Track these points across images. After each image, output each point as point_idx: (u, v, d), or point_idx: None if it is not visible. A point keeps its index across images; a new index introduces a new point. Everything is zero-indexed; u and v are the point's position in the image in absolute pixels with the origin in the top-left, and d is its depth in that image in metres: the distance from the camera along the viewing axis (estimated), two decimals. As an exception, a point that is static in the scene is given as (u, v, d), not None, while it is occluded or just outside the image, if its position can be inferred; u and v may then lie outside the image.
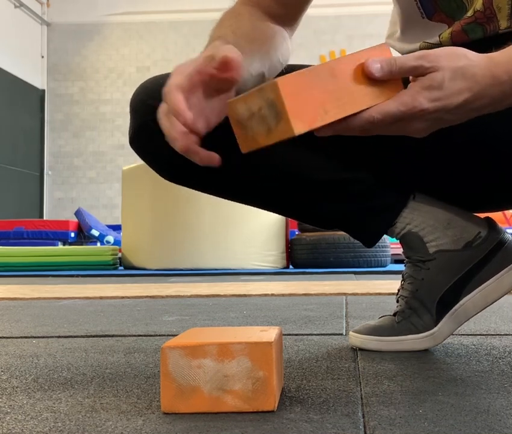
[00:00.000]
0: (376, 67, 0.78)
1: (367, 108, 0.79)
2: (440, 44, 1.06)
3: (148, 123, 1.05)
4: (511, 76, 0.81)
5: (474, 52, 0.82)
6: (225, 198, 1.16)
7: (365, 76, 0.79)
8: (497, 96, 0.82)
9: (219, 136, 0.94)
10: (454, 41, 1.05)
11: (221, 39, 0.91)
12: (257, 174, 1.10)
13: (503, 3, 1.00)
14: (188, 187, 1.14)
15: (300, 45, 11.55)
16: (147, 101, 1.05)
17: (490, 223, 1.12)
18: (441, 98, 0.79)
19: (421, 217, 1.10)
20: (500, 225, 1.14)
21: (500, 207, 1.18)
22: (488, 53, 0.83)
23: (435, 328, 1.09)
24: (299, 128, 0.74)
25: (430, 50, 0.82)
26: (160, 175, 1.15)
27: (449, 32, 1.06)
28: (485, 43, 1.00)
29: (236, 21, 1.01)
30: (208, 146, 1.05)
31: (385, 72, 0.79)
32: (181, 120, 0.80)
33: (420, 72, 0.80)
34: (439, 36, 1.07)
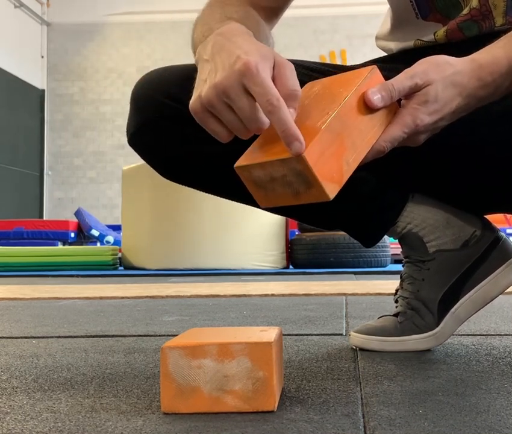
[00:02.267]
0: (377, 99, 0.81)
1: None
2: (434, 42, 1.07)
3: (154, 119, 1.03)
4: (495, 78, 0.85)
5: (454, 58, 0.86)
6: (226, 198, 1.16)
7: (367, 108, 0.80)
8: (483, 96, 0.86)
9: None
10: (449, 39, 1.06)
11: (232, 20, 0.90)
12: None
13: (499, 0, 1.01)
14: (188, 186, 1.14)
15: (299, 45, 11.56)
16: (152, 97, 1.03)
17: (484, 223, 1.13)
18: (437, 110, 0.83)
19: (421, 217, 1.10)
20: (500, 225, 1.15)
21: (498, 210, 1.18)
22: (471, 56, 0.86)
23: (438, 328, 1.09)
24: (332, 191, 0.76)
25: (415, 66, 0.85)
26: (160, 173, 1.13)
27: (444, 30, 1.06)
28: (480, 40, 1.01)
29: (227, 6, 0.98)
30: (212, 148, 1.05)
31: (386, 101, 0.81)
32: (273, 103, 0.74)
33: (415, 90, 0.83)
34: (434, 34, 1.07)
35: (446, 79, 0.83)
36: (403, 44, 1.12)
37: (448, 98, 0.83)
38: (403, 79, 0.83)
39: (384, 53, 1.19)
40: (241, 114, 0.77)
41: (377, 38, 1.20)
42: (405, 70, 0.84)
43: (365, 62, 1.14)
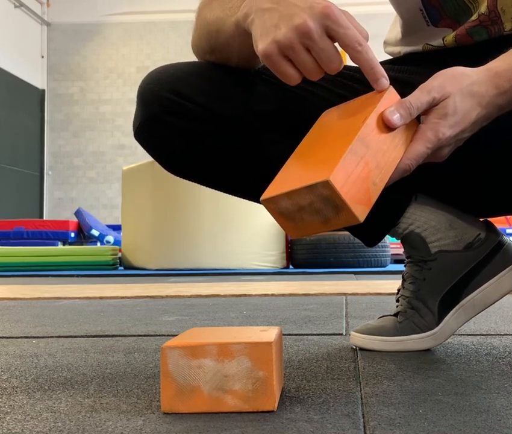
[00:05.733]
0: (396, 118, 0.81)
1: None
2: (443, 47, 1.07)
3: (159, 115, 1.03)
4: None
5: (469, 68, 0.86)
6: (229, 194, 1.15)
7: (387, 128, 0.81)
8: (502, 104, 0.86)
9: (230, 135, 0.94)
10: (458, 44, 1.06)
11: None
12: (269, 172, 1.09)
13: (508, 5, 1.01)
14: (192, 180, 1.13)
15: (300, 45, 11.55)
16: (159, 92, 1.03)
17: (489, 226, 1.12)
18: (458, 122, 0.83)
19: (424, 218, 1.10)
20: (500, 225, 1.15)
21: (502, 212, 1.18)
22: (486, 65, 0.86)
23: (437, 328, 1.09)
24: (361, 213, 0.76)
25: (430, 81, 0.85)
26: (165, 168, 1.12)
27: (453, 35, 1.06)
28: (489, 45, 1.01)
29: None
30: (216, 143, 1.05)
31: (405, 119, 0.82)
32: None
33: (433, 104, 0.83)
34: (443, 39, 1.07)
35: (464, 90, 0.83)
36: (411, 48, 1.12)
37: (467, 109, 0.83)
38: (420, 95, 0.83)
39: (390, 57, 1.19)
40: (322, 55, 0.81)
41: (386, 44, 1.20)
42: (421, 86, 0.84)
43: None
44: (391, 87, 0.84)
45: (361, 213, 0.75)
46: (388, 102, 0.82)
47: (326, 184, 0.73)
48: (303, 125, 0.97)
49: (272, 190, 0.79)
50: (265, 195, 0.79)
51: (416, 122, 0.84)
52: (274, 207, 0.79)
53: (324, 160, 0.77)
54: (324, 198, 0.74)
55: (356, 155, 0.76)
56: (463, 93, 0.83)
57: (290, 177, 0.79)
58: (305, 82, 1.01)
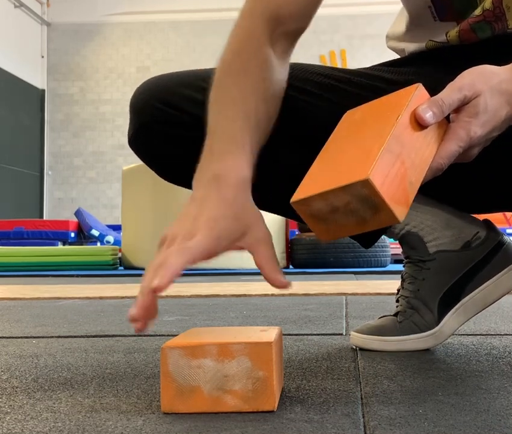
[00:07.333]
0: (429, 116, 0.79)
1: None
2: (447, 43, 1.07)
3: (150, 124, 1.06)
4: None
5: (496, 66, 0.85)
6: None
7: (419, 126, 0.79)
8: None
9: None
10: (462, 40, 1.05)
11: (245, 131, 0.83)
12: (266, 175, 1.08)
13: None
14: (186, 187, 1.14)
15: (299, 45, 11.38)
16: (150, 102, 1.05)
17: (488, 225, 1.12)
18: (489, 120, 0.82)
19: (419, 218, 1.10)
20: (500, 225, 1.15)
21: (499, 209, 1.18)
22: (511, 65, 0.85)
23: (437, 327, 1.09)
24: (401, 213, 0.73)
25: (460, 78, 0.83)
26: (160, 176, 1.15)
27: (456, 30, 1.05)
28: (493, 42, 1.00)
29: (241, 78, 0.88)
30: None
31: (438, 117, 0.80)
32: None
33: (464, 103, 0.82)
34: (446, 34, 1.07)
35: (493, 88, 0.82)
36: (415, 45, 1.12)
37: (497, 107, 0.82)
38: (451, 93, 0.81)
39: (392, 53, 1.18)
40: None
41: (388, 38, 1.19)
42: (450, 84, 0.83)
43: (372, 67, 1.13)
44: (420, 85, 0.82)
45: (400, 213, 0.73)
46: (419, 99, 0.80)
47: (366, 183, 0.70)
48: (292, 134, 0.96)
49: (304, 191, 0.75)
50: (297, 197, 0.75)
51: (446, 121, 0.83)
52: (305, 208, 0.75)
53: (358, 159, 0.74)
54: (362, 198, 0.71)
55: (392, 154, 0.73)
56: (492, 91, 0.82)
57: (321, 178, 0.76)
58: (297, 92, 1.00)
